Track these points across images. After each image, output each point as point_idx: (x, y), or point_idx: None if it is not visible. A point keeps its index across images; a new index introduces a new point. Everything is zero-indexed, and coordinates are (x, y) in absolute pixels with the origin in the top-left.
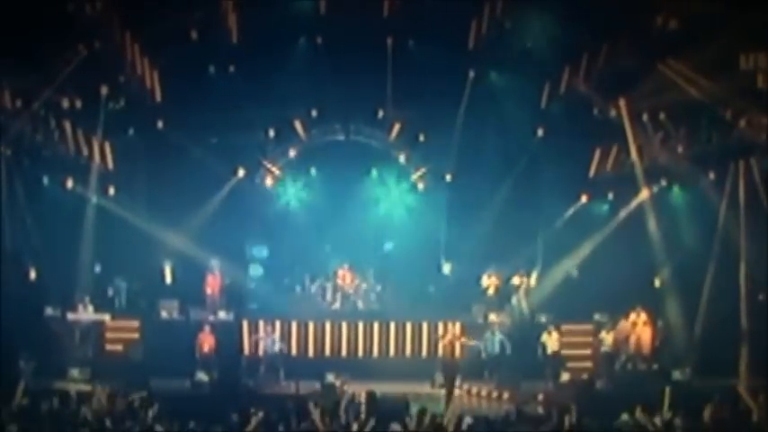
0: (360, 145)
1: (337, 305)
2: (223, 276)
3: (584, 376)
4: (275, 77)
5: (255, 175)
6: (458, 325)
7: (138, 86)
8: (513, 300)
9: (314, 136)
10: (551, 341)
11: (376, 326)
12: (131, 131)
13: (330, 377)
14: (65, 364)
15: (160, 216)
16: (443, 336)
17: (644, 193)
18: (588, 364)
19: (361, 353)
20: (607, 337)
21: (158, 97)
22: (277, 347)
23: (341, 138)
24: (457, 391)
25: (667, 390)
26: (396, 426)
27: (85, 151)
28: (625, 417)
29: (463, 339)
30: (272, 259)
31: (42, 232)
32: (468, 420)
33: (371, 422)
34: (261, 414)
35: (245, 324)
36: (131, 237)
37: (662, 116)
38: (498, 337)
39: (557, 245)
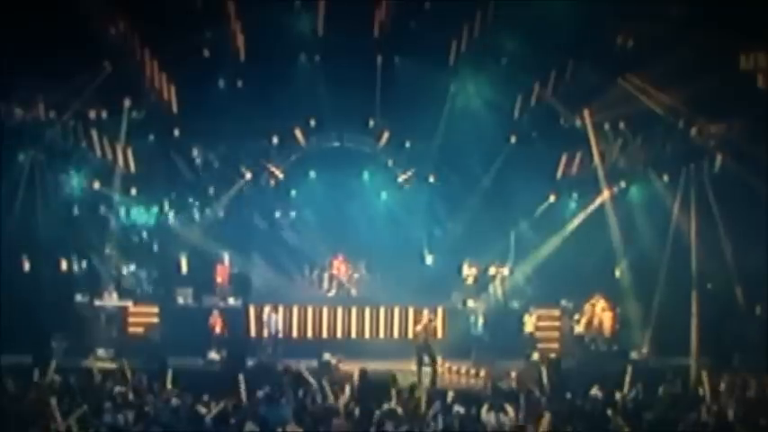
0: (353, 151)
1: (333, 292)
2: (232, 266)
3: (552, 355)
4: (278, 91)
5: (260, 177)
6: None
7: (156, 99)
8: (490, 288)
9: (312, 143)
10: (530, 323)
11: (367, 311)
12: (151, 138)
13: (327, 356)
14: (92, 345)
15: (176, 213)
16: (417, 323)
17: (605, 194)
18: (555, 344)
19: (354, 334)
20: (578, 324)
21: (175, 108)
22: (280, 330)
23: (336, 144)
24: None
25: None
26: (387, 405)
27: (110, 156)
28: (593, 392)
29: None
30: (275, 252)
31: (72, 228)
32: (450, 394)
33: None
34: (266, 388)
35: (251, 309)
36: (151, 231)
37: (621, 125)
38: (480, 321)
39: (528, 239)
